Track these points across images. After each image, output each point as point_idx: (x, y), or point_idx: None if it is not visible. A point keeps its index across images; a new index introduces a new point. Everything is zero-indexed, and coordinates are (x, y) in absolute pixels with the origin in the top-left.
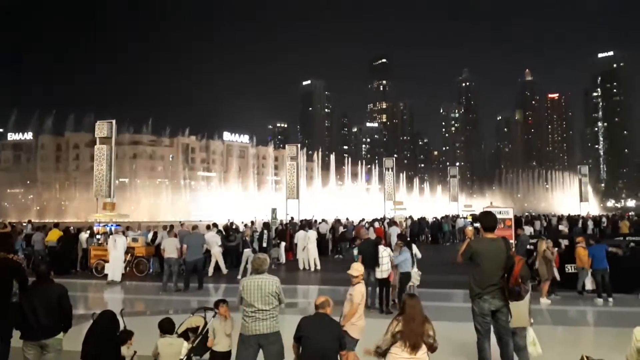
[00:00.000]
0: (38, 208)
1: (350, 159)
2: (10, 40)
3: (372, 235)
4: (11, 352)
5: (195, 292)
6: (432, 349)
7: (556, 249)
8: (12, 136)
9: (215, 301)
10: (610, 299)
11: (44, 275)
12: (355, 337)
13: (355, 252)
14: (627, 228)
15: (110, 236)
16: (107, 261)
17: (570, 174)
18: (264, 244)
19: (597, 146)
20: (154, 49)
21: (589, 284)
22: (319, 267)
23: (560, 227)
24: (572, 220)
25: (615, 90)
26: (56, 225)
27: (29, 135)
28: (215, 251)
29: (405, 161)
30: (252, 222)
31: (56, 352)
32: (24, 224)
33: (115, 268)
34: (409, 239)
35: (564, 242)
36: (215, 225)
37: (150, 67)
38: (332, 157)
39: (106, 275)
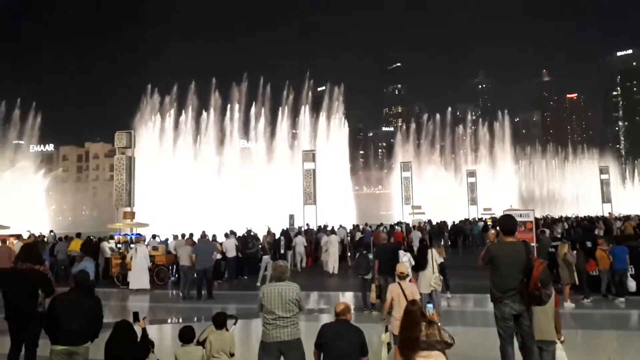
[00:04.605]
0: (60, 218)
1: (366, 163)
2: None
3: None
4: None
5: (217, 300)
6: (446, 346)
7: (574, 251)
8: (33, 148)
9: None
10: (623, 299)
11: (83, 284)
12: (395, 333)
13: (371, 256)
14: (632, 228)
15: (132, 245)
16: (128, 269)
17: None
18: (282, 251)
19: (618, 146)
20: (165, 59)
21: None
22: (336, 271)
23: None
24: (608, 223)
25: (635, 89)
26: (78, 235)
27: (50, 147)
28: (300, 250)
29: (422, 165)
30: (269, 230)
31: None
32: (51, 233)
33: (139, 277)
34: (426, 242)
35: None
36: (233, 232)
37: (162, 75)
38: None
39: (127, 283)
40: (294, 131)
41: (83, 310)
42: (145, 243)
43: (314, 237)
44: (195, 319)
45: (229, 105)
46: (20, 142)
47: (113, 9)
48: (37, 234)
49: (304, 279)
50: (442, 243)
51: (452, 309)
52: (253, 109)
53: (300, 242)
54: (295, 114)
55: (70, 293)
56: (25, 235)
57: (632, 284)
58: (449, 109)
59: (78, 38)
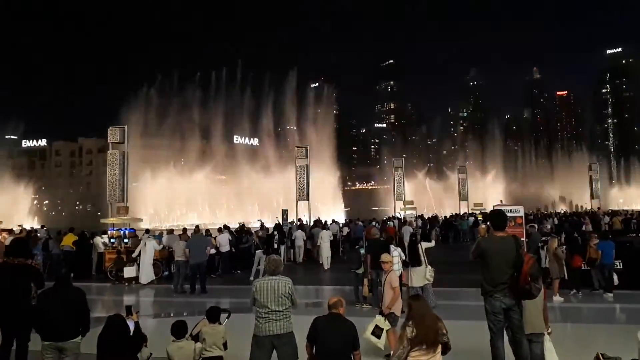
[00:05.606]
0: (53, 213)
1: (359, 159)
2: (18, 46)
3: None
4: (30, 356)
5: (211, 294)
6: (446, 348)
7: (564, 247)
8: (26, 143)
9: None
10: (611, 294)
11: (65, 279)
12: (398, 315)
13: (362, 251)
14: (620, 223)
15: (141, 240)
16: (123, 265)
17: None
18: (275, 245)
19: (607, 143)
20: (159, 54)
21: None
22: (329, 265)
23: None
24: (595, 218)
25: (624, 87)
26: (71, 229)
27: (43, 142)
28: (300, 244)
29: (414, 161)
30: (262, 224)
31: (74, 356)
32: (43, 229)
33: (144, 271)
34: (415, 238)
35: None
36: (226, 227)
37: (155, 70)
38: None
39: (121, 277)
40: (288, 127)
41: (66, 305)
42: (155, 238)
43: (309, 232)
44: (187, 313)
45: (213, 100)
46: (13, 137)
47: (107, 3)
48: (28, 229)
49: (298, 273)
50: (434, 237)
51: (442, 303)
52: (241, 103)
53: (300, 236)
54: (285, 109)
55: (53, 289)
56: (17, 230)
57: (614, 278)
58: (439, 118)
59: (72, 33)
